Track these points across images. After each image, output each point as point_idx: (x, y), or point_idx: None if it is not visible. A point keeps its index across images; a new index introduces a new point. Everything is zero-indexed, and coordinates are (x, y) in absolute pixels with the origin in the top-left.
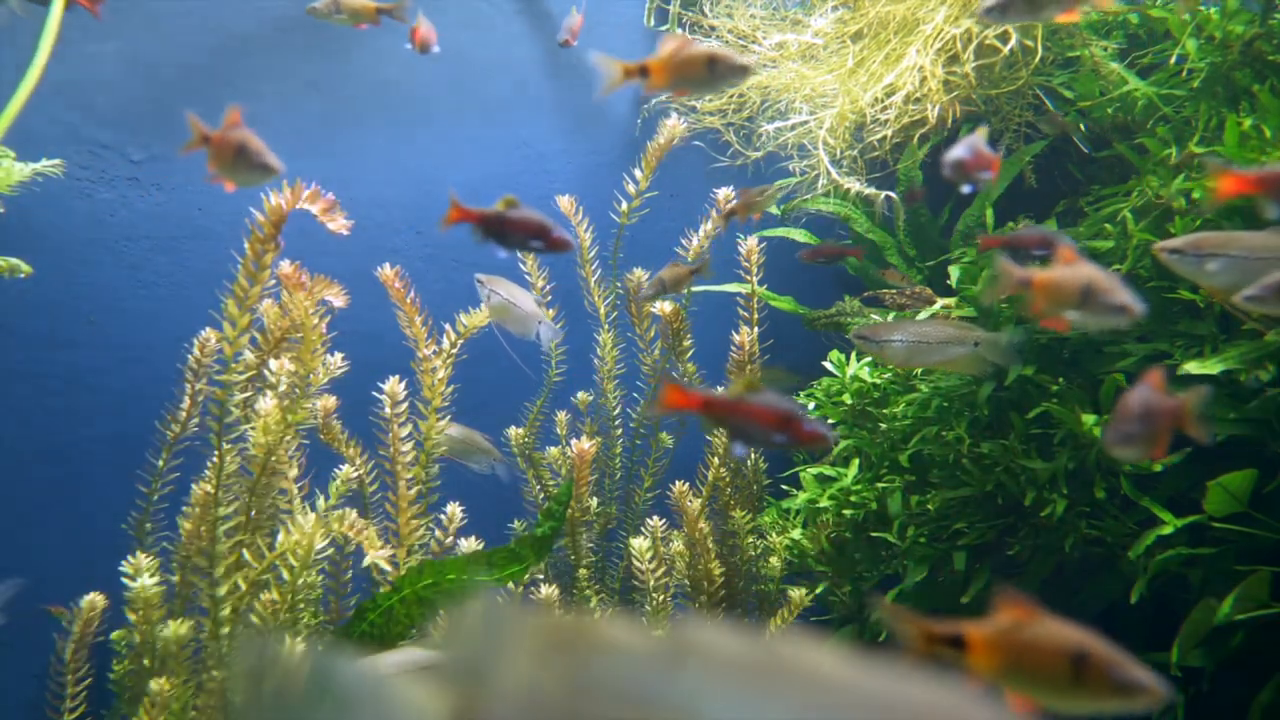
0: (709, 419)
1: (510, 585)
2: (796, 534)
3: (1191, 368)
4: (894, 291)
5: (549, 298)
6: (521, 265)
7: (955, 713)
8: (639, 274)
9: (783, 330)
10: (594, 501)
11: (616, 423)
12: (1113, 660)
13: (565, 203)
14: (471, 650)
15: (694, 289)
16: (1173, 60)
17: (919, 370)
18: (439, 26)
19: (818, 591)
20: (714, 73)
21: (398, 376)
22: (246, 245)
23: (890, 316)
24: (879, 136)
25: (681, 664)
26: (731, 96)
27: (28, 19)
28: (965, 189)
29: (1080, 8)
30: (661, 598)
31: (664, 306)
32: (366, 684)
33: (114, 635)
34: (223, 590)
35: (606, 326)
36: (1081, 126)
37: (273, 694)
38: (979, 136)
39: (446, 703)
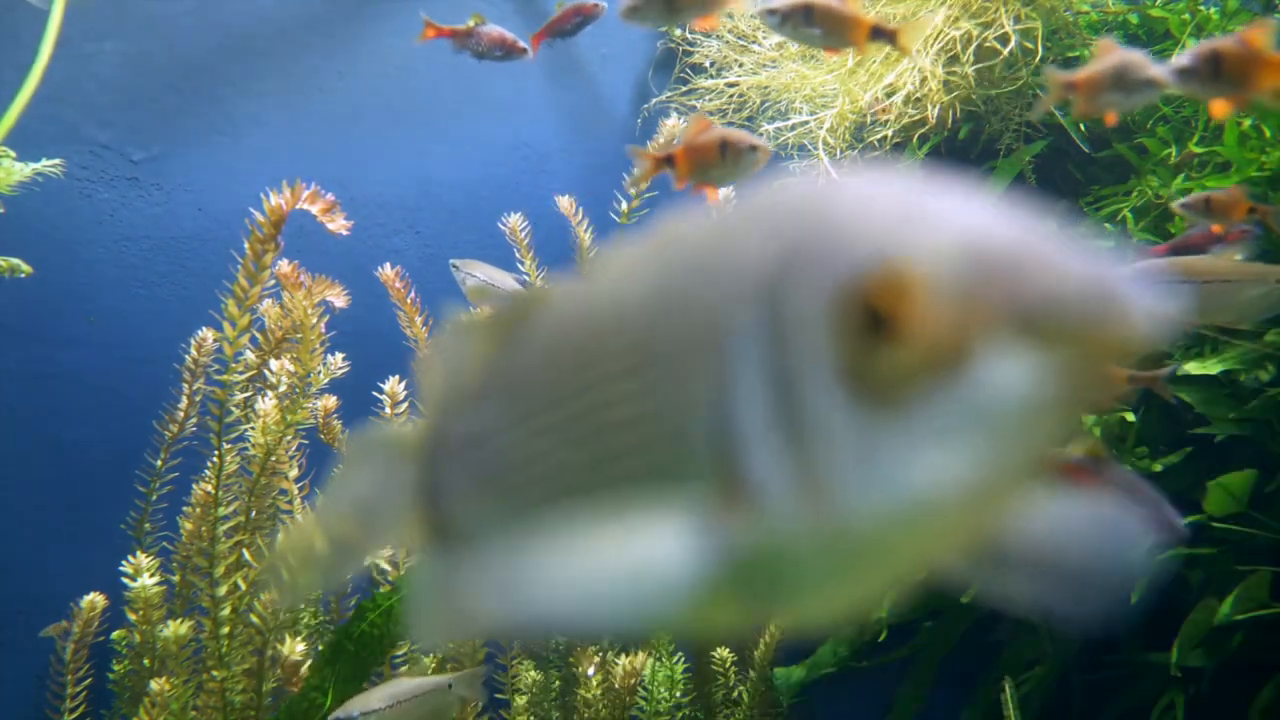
0: None
1: None
2: None
3: (1191, 368)
4: None
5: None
6: (520, 265)
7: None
8: None
9: None
10: None
11: None
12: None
13: (565, 203)
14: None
15: None
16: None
17: None
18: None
19: None
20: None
21: (398, 376)
22: (246, 245)
23: None
24: (879, 136)
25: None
26: (731, 96)
27: (43, 8)
28: None
29: (719, 14)
30: None
31: None
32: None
33: (114, 635)
34: (223, 590)
35: None
36: (1081, 126)
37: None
38: None
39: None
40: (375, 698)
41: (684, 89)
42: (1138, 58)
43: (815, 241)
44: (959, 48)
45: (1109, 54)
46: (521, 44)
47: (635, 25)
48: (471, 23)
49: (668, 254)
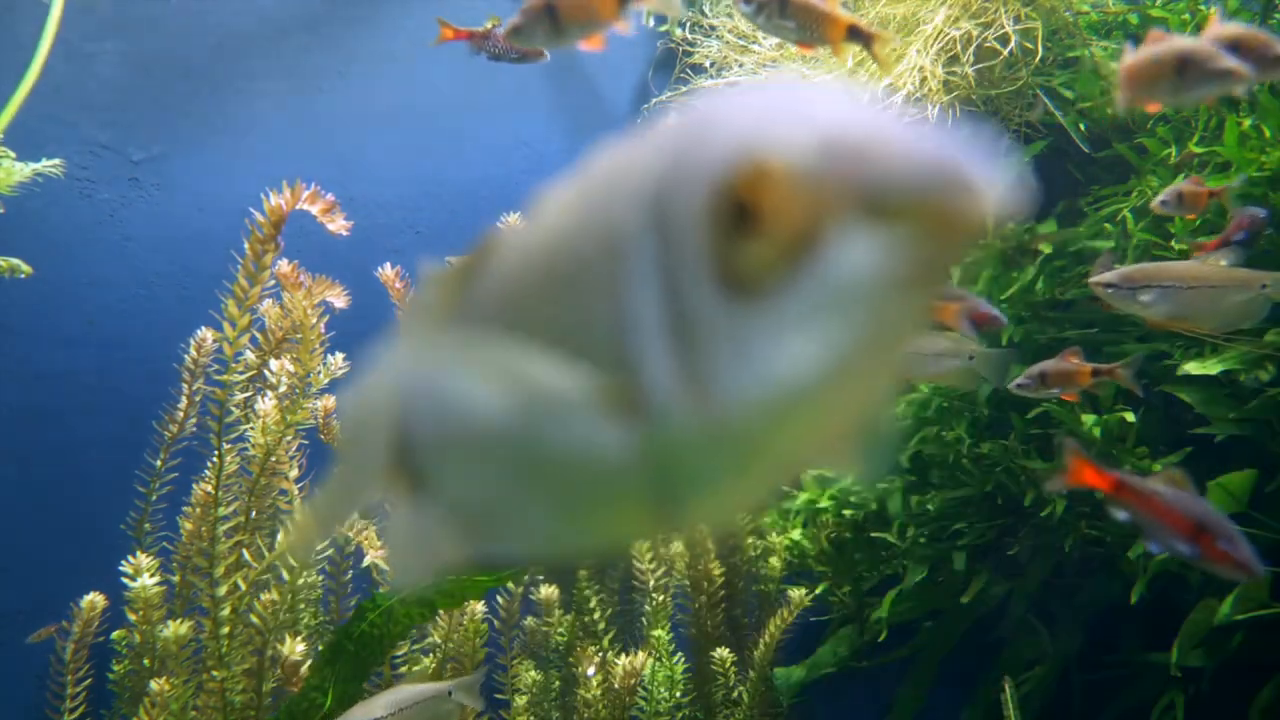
0: (1118, 502)
1: (510, 585)
2: (796, 534)
3: (1191, 368)
4: None
5: None
6: None
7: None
8: None
9: None
10: None
11: None
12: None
13: None
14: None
15: None
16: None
17: None
18: (435, 26)
19: (818, 591)
20: None
21: None
22: (246, 245)
23: None
24: None
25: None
26: None
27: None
28: None
29: (601, 35)
30: (661, 598)
31: None
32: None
33: (114, 635)
34: (223, 590)
35: None
36: (1081, 126)
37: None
38: None
39: None
40: (377, 706)
41: (684, 89)
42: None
43: (693, 147)
44: (959, 48)
45: (1171, 42)
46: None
47: (521, 46)
48: (489, 25)
49: (581, 183)
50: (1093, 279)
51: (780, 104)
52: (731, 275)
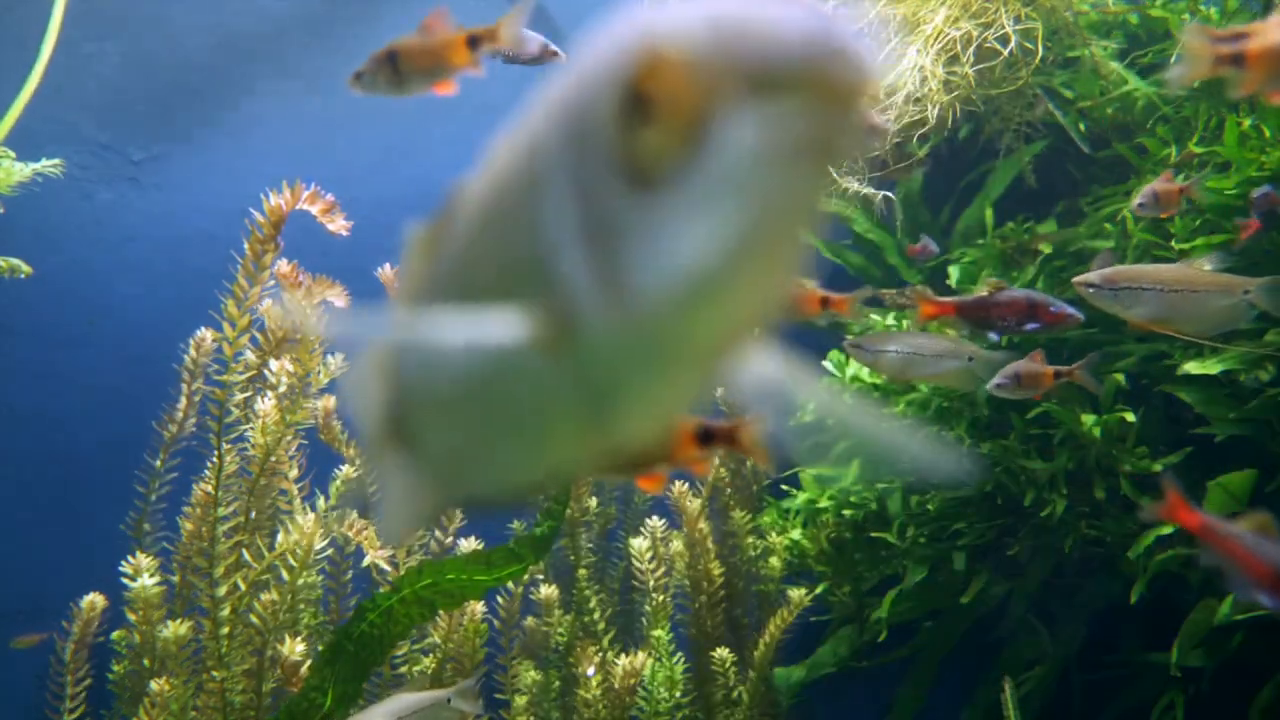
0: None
1: (510, 585)
2: (796, 534)
3: (1191, 368)
4: (893, 292)
5: None
6: None
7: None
8: None
9: (783, 330)
10: (593, 501)
11: None
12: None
13: None
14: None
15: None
16: (1173, 60)
17: None
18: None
19: (818, 591)
20: None
21: None
22: (246, 245)
23: (889, 318)
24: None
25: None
26: None
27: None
28: None
29: (452, 79)
30: (661, 598)
31: None
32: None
33: (114, 635)
34: (223, 590)
35: None
36: (1081, 126)
37: None
38: None
39: None
40: (376, 715)
41: None
42: None
43: (597, 54)
44: (959, 48)
45: None
46: (554, 48)
47: (364, 93)
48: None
49: (516, 126)
50: (1077, 278)
51: (673, 4)
52: (637, 168)
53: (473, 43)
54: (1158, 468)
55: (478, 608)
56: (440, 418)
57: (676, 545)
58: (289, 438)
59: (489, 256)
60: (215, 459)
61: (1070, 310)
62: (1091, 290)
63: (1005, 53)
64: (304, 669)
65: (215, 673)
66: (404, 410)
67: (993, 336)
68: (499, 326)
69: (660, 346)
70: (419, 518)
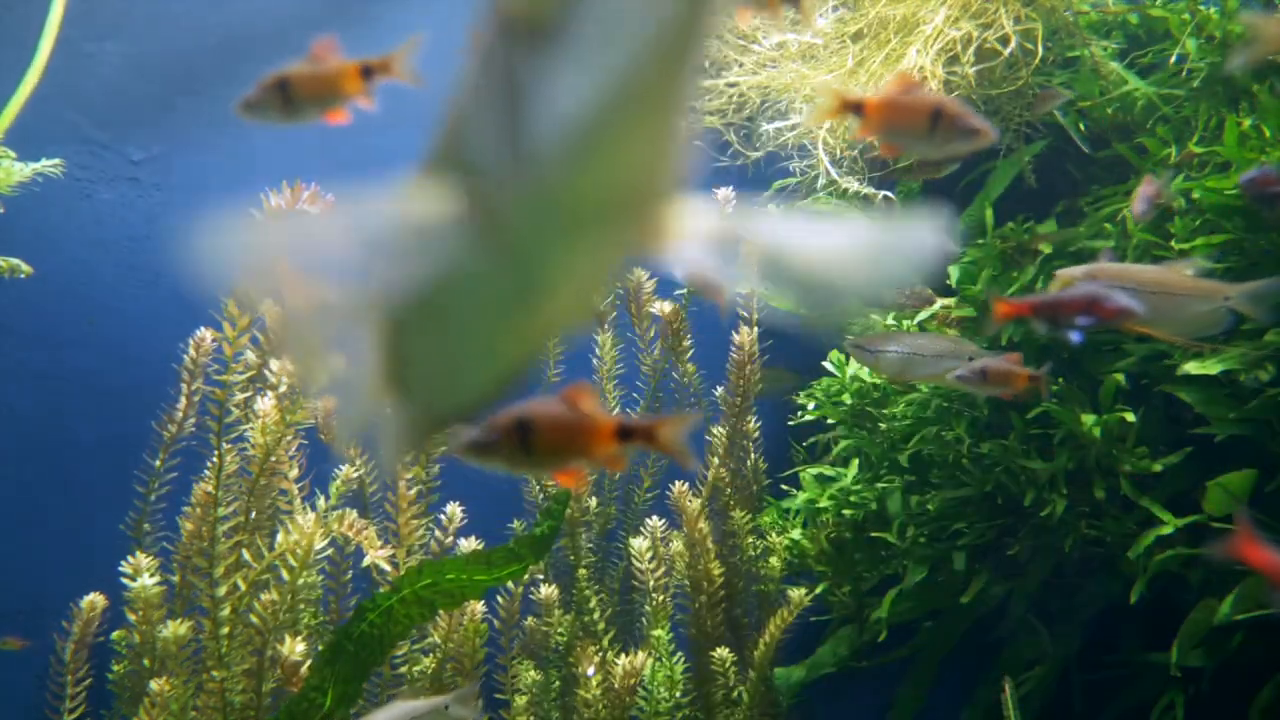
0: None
1: (510, 585)
2: (796, 534)
3: (1191, 368)
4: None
5: None
6: None
7: None
8: (639, 274)
9: (783, 330)
10: (593, 501)
11: None
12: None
13: None
14: None
15: (694, 289)
16: (1172, 60)
17: None
18: (435, 26)
19: (818, 591)
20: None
21: None
22: None
23: (889, 318)
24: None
25: None
26: (731, 97)
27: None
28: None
29: (343, 106)
30: (661, 598)
31: (663, 306)
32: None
33: (114, 635)
34: (222, 590)
35: (605, 327)
36: (1081, 126)
37: None
38: None
39: None
40: None
41: None
42: None
43: None
44: (959, 48)
45: None
46: None
47: (254, 123)
48: None
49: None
50: (1061, 270)
51: None
52: (520, 20)
53: (366, 73)
54: (1158, 468)
55: (478, 608)
56: (416, 340)
57: (676, 545)
58: (289, 438)
59: (444, 155)
60: (215, 459)
61: (1129, 303)
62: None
63: (1005, 53)
64: (304, 669)
65: (215, 673)
66: (392, 350)
67: (1075, 337)
68: (424, 202)
69: (564, 203)
70: (411, 445)
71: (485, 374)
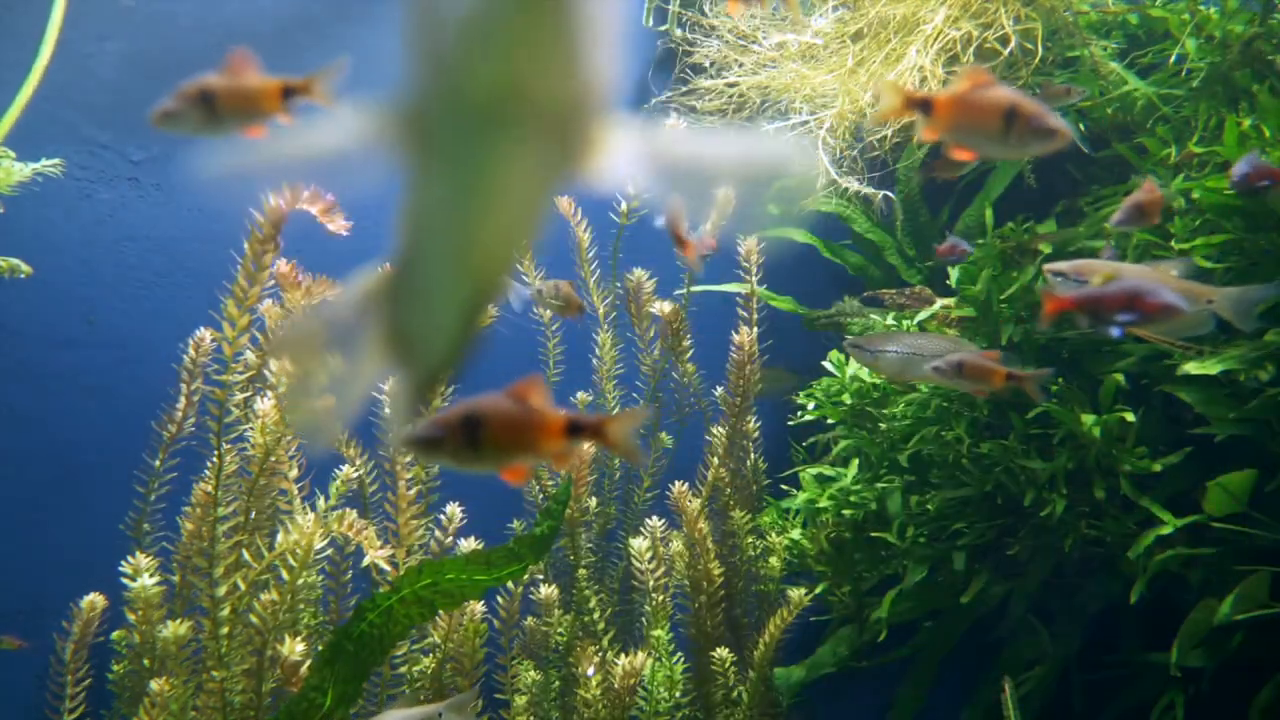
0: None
1: (510, 585)
2: (796, 534)
3: (1191, 368)
4: (893, 292)
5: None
6: (519, 265)
7: None
8: (639, 274)
9: (783, 330)
10: (593, 501)
11: None
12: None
13: (564, 203)
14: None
15: (693, 289)
16: (1172, 60)
17: None
18: None
19: (817, 591)
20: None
21: None
22: (246, 246)
23: (889, 318)
24: (879, 136)
25: None
26: (731, 97)
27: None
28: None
29: (265, 123)
30: (661, 598)
31: (663, 306)
32: None
33: (114, 635)
34: (222, 590)
35: (605, 327)
36: (1081, 126)
37: None
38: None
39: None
40: None
41: (684, 89)
42: None
43: None
44: (959, 48)
45: None
46: None
47: (171, 133)
48: None
49: None
50: (1048, 265)
51: None
52: None
53: (287, 93)
54: (1157, 468)
55: (477, 608)
56: (397, 288)
57: (676, 545)
58: (289, 438)
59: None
60: (215, 459)
61: (1173, 299)
62: (1059, 279)
63: (1005, 53)
64: (304, 669)
65: (215, 673)
66: (391, 311)
67: (1115, 333)
68: (354, 121)
69: (474, 99)
70: (412, 405)
71: (457, 305)
